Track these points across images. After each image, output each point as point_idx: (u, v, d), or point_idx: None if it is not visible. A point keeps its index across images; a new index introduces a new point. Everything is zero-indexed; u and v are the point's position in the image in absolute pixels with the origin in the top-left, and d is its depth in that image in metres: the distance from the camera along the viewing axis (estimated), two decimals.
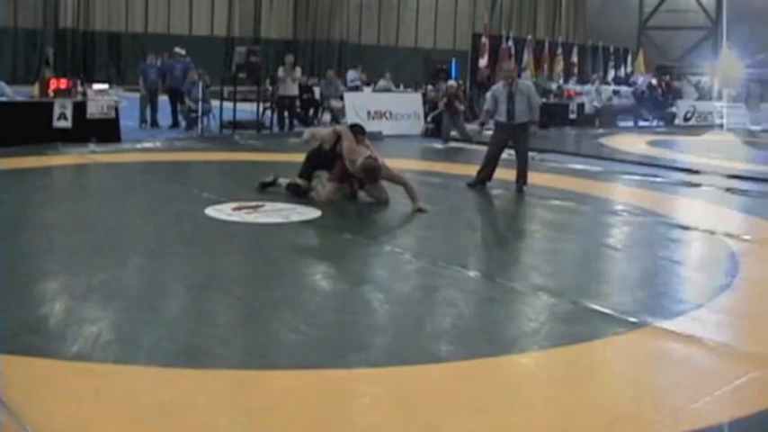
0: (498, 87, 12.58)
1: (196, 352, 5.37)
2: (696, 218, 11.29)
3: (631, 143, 22.00)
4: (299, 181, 11.15)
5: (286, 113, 21.25)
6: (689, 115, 30.40)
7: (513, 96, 12.25)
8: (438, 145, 18.95)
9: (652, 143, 22.23)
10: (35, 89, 16.90)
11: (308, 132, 11.98)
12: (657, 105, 30.28)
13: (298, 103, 22.23)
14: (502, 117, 12.48)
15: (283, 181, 11.37)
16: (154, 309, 6.23)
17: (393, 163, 14.55)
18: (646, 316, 6.41)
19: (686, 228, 10.45)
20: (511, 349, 5.70)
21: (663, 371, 5.47)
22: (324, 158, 11.28)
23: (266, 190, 11.36)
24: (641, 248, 9.32)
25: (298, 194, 10.97)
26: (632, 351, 5.91)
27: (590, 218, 11.15)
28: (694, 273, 8.25)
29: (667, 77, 33.76)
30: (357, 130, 11.33)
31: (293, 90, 21.18)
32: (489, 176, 12.53)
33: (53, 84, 16.42)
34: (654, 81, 32.45)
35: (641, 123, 29.18)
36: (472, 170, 12.88)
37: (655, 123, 29.55)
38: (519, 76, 28.85)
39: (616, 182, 14.73)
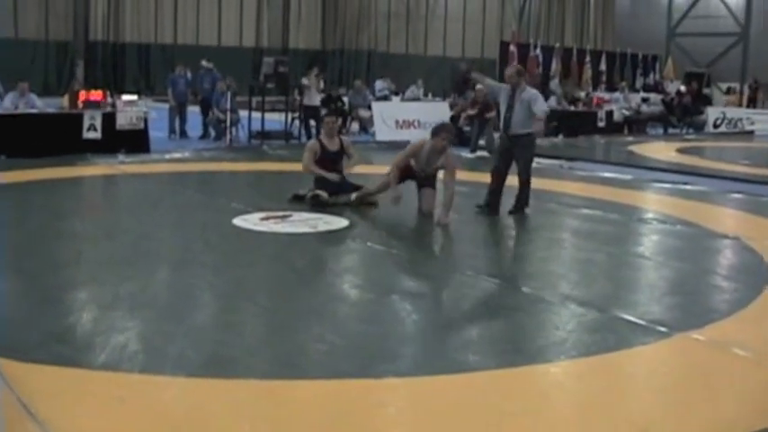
0: (505, 91, 11.17)
1: (222, 362, 5.38)
2: (726, 226, 11.20)
3: (660, 151, 21.87)
4: (320, 192, 11.15)
5: (312, 123, 21.27)
6: (719, 122, 30.19)
7: (512, 105, 10.95)
8: (466, 154, 18.90)
9: (681, 150, 22.07)
10: (65, 101, 17.01)
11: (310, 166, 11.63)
12: (687, 112, 30.08)
13: (323, 112, 22.25)
14: (501, 125, 11.44)
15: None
16: (181, 318, 6.24)
17: None
18: (675, 325, 6.36)
19: (716, 236, 10.37)
20: (538, 359, 5.66)
21: (693, 381, 5.41)
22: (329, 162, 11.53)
23: (298, 201, 11.34)
24: (670, 257, 9.24)
25: (319, 205, 10.97)
26: (661, 361, 5.86)
27: (619, 226, 11.07)
28: (725, 281, 8.17)
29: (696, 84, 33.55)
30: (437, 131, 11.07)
31: (317, 100, 21.23)
32: (496, 202, 11.17)
33: (83, 95, 16.53)
34: (683, 88, 32.25)
35: (670, 131, 29.00)
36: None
37: (684, 131, 29.36)
38: (547, 84, 29.14)
39: (645, 190, 14.63)
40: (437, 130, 10.88)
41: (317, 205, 10.94)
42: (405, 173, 10.96)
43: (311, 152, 11.57)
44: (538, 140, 11.59)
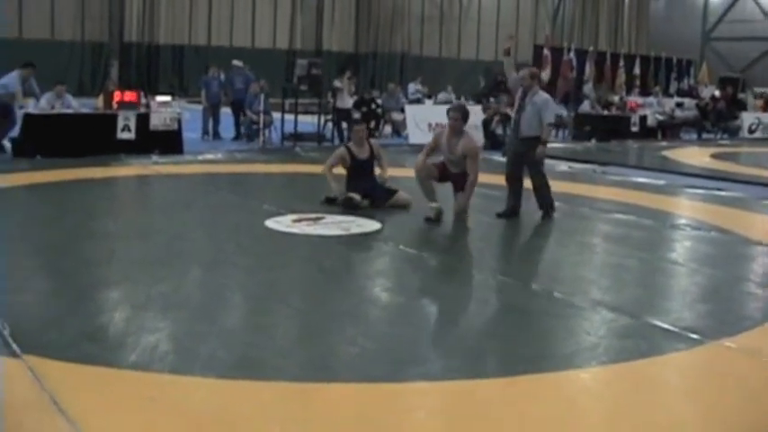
0: (519, 93, 11.20)
1: (253, 363, 5.40)
2: (761, 232, 11.09)
3: (694, 156, 21.72)
4: (353, 195, 11.16)
5: (345, 125, 21.31)
6: (754, 127, 29.92)
7: (523, 107, 10.97)
8: (498, 157, 18.84)
9: (716, 156, 21.91)
10: (100, 101, 17.14)
11: (327, 172, 11.66)
12: (721, 117, 29.85)
13: (357, 115, 22.29)
14: (510, 128, 11.51)
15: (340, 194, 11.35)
16: (212, 319, 6.26)
17: None
18: (708, 333, 6.31)
19: (751, 243, 10.29)
20: (569, 364, 5.64)
21: (726, 389, 5.37)
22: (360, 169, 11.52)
23: (330, 203, 11.35)
24: (704, 263, 9.17)
25: (352, 208, 10.97)
26: (694, 368, 5.82)
27: (652, 232, 11.00)
28: (758, 289, 8.07)
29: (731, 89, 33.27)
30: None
31: (349, 103, 21.25)
32: (515, 207, 11.09)
33: (117, 96, 16.64)
34: (717, 93, 32.00)
35: (705, 136, 28.79)
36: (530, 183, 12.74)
37: (718, 136, 29.13)
38: (580, 88, 29.03)
39: (679, 195, 14.53)
40: (447, 112, 10.95)
41: (350, 208, 10.96)
42: (441, 172, 10.88)
43: (336, 158, 11.62)
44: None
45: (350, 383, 5.16)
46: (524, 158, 11.04)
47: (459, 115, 10.70)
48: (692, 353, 5.96)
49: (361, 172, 11.49)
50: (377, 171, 11.73)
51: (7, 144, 15.76)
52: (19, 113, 15.89)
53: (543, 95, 11.04)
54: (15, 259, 8.03)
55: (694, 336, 6.21)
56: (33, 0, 33.71)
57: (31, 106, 16.11)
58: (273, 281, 7.68)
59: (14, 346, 5.38)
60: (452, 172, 10.79)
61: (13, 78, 15.99)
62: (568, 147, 22.59)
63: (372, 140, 12.34)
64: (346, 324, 6.33)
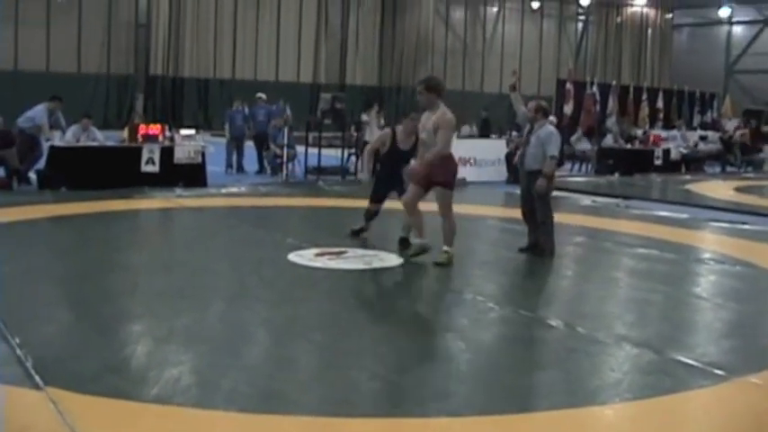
0: (525, 126, 11.16)
1: (274, 397, 5.39)
2: None
3: (718, 189, 21.61)
4: (368, 206, 11.21)
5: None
6: None
7: (528, 140, 10.80)
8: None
9: (740, 189, 21.79)
10: (125, 134, 17.26)
11: (367, 152, 11.70)
12: (745, 151, 29.73)
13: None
14: (518, 163, 11.27)
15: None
16: (234, 353, 6.26)
17: (477, 210, 14.57)
18: (733, 368, 6.25)
19: None
20: (592, 401, 5.60)
21: (750, 426, 5.32)
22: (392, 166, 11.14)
23: (356, 236, 11.35)
24: (728, 298, 9.09)
25: (370, 218, 10.98)
26: (719, 405, 5.76)
27: (675, 266, 10.94)
28: None
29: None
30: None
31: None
32: (534, 241, 10.85)
33: (142, 129, 16.77)
34: (741, 125, 31.88)
35: (728, 169, 28.67)
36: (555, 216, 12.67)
37: (743, 169, 29.00)
38: (603, 121, 29.01)
39: (702, 229, 14.45)
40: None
41: (368, 219, 11.09)
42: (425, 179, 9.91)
43: (380, 140, 11.49)
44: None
45: (371, 418, 5.14)
46: (529, 192, 10.85)
47: (422, 87, 10.09)
48: (718, 389, 5.90)
49: (396, 161, 11.01)
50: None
51: (33, 176, 15.91)
52: (45, 146, 16.05)
53: (548, 128, 10.84)
54: (39, 290, 8.08)
55: (719, 372, 6.15)
56: (61, 34, 34.14)
57: (57, 139, 16.25)
58: (296, 314, 7.68)
59: (37, 378, 5.40)
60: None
61: (40, 111, 16.17)
62: (591, 181, 22.54)
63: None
64: (368, 359, 6.32)
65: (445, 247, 9.87)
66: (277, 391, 5.53)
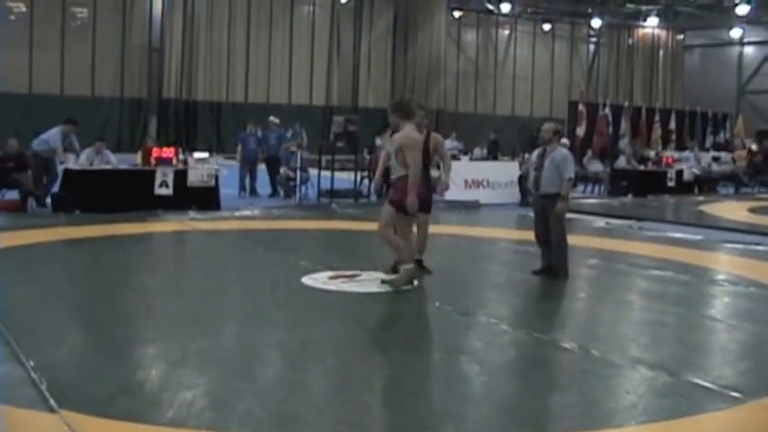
0: (536, 152, 11.10)
1: (288, 420, 5.38)
2: None
3: (732, 210, 21.54)
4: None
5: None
6: None
7: (542, 163, 10.71)
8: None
9: (753, 210, 21.72)
10: (139, 157, 17.34)
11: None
12: (759, 171, 29.66)
13: None
14: (531, 186, 11.26)
15: None
16: (248, 376, 6.26)
17: (490, 232, 14.56)
18: (749, 391, 6.22)
19: None
20: (608, 424, 5.57)
21: None
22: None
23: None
24: (743, 320, 9.04)
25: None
26: (735, 427, 5.74)
27: (690, 288, 10.90)
28: None
29: None
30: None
31: None
32: (548, 264, 10.82)
33: (155, 152, 16.85)
34: (754, 146, 31.82)
35: (742, 190, 28.60)
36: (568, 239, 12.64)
37: (756, 190, 28.92)
38: (616, 143, 29.01)
39: (716, 251, 14.41)
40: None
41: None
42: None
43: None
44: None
45: None
46: (544, 216, 10.82)
47: (390, 108, 10.12)
48: (734, 411, 5.87)
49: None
50: (433, 173, 11.24)
51: (47, 199, 15.98)
52: (59, 168, 16.13)
53: (563, 151, 10.86)
54: (53, 313, 8.11)
55: (735, 394, 6.12)
56: (75, 58, 34.33)
57: (71, 162, 16.33)
58: (309, 338, 7.67)
59: (51, 401, 5.41)
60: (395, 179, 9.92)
61: (54, 134, 16.28)
62: (605, 202, 22.52)
63: (435, 134, 11.48)
64: (382, 381, 6.31)
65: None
66: (291, 414, 5.52)
